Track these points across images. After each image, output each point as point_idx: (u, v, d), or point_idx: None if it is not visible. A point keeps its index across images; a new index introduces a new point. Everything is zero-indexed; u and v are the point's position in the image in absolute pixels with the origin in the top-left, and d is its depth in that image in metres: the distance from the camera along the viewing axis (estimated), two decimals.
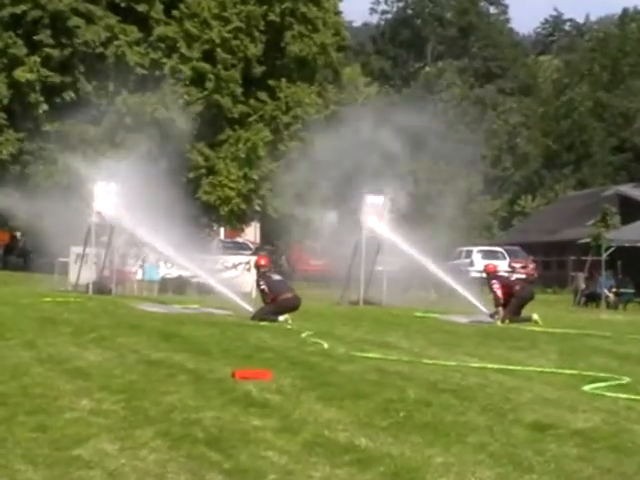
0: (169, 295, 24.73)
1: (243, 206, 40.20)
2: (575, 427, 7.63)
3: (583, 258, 38.09)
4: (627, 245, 34.62)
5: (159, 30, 39.07)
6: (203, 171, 39.41)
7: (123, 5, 39.06)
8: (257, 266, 18.33)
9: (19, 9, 37.32)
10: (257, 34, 39.97)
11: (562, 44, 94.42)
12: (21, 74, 37.10)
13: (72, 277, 24.69)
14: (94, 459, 6.33)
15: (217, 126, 39.75)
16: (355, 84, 60.38)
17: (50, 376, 9.37)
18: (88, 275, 24.02)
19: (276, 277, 17.94)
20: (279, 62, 41.80)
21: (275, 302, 17.04)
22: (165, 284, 26.16)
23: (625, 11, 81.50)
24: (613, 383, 10.11)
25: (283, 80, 40.73)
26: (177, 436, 6.96)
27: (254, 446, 6.71)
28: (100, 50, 37.97)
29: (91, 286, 23.33)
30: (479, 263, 37.41)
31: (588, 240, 37.66)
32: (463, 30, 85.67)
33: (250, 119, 40.24)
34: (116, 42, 38.11)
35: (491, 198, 64.15)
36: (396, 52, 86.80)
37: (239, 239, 49.18)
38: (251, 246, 46.78)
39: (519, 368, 11.26)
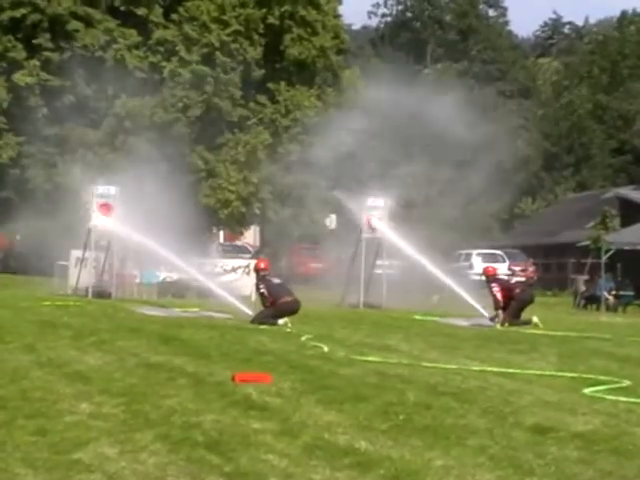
0: (169, 298, 24.71)
1: (243, 209, 40.22)
2: (575, 430, 7.62)
3: (583, 261, 38.11)
4: (627, 248, 34.53)
5: (158, 33, 39.13)
6: (203, 174, 39.42)
7: (122, 9, 39.16)
8: (257, 269, 18.30)
9: (18, 13, 37.41)
10: (256, 37, 40.03)
11: (561, 47, 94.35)
12: (20, 78, 37.14)
13: (72, 281, 24.69)
14: (94, 463, 6.32)
15: (216, 129, 39.78)
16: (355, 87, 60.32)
17: (50, 380, 9.36)
18: (88, 279, 24.01)
19: (276, 281, 17.90)
20: (278, 65, 41.87)
21: (275, 306, 17.01)
22: (165, 287, 26.14)
23: (624, 14, 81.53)
24: (613, 386, 10.10)
25: (282, 83, 40.79)
26: (177, 439, 6.95)
27: (254, 449, 6.71)
28: (99, 54, 38.03)
29: (91, 290, 23.32)
30: (478, 266, 37.35)
31: (588, 242, 37.61)
32: (463, 33, 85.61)
33: (249, 122, 40.30)
34: (115, 46, 38.17)
35: (491, 200, 63.99)
36: (395, 55, 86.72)
37: (239, 242, 49.11)
38: (251, 249, 46.70)
39: (519, 371, 11.24)
